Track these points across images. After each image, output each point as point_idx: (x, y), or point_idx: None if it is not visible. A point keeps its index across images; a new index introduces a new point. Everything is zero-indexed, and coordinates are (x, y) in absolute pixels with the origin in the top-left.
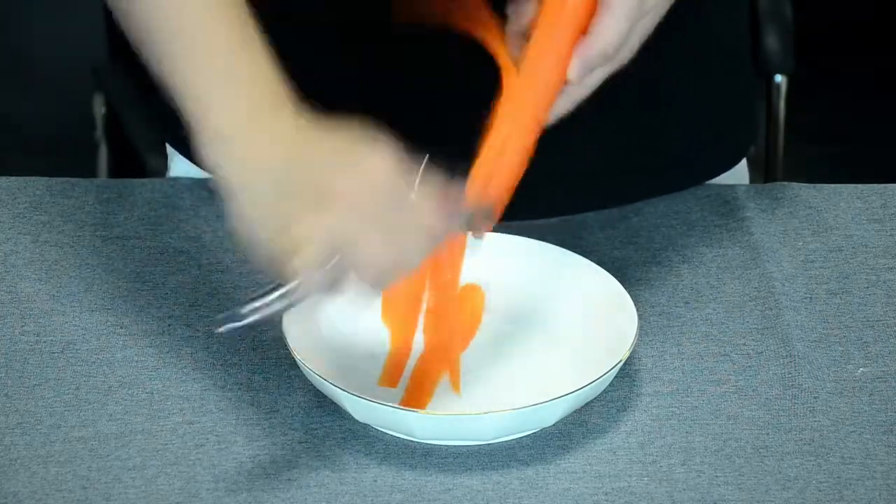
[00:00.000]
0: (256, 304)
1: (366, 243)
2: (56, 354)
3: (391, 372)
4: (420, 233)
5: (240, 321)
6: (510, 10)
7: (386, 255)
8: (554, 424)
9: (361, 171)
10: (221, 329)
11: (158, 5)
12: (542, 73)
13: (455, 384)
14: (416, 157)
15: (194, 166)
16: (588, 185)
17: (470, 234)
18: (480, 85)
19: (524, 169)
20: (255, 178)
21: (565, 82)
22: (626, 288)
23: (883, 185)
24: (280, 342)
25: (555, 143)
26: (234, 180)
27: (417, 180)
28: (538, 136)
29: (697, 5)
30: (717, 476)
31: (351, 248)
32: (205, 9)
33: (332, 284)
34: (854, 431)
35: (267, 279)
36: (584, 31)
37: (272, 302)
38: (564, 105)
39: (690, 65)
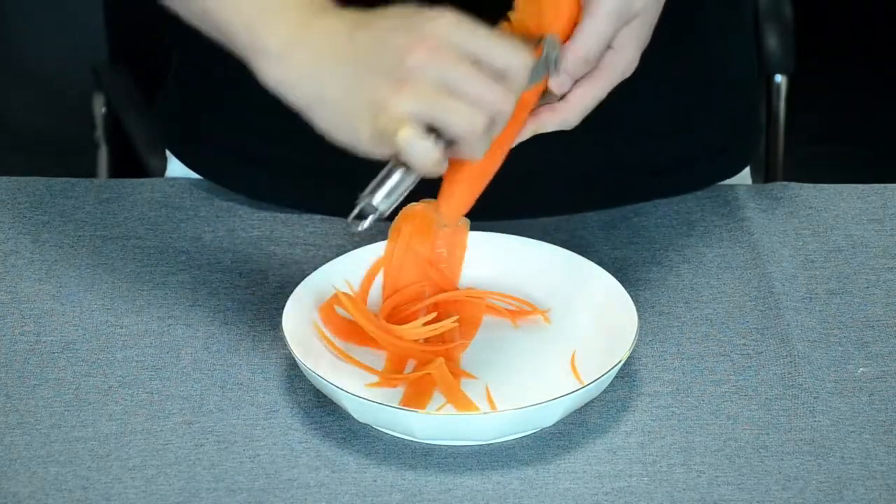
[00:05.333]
0: (382, 190)
1: (456, 113)
2: (56, 354)
3: (391, 372)
4: (505, 82)
5: (374, 212)
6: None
7: (477, 117)
8: (554, 424)
9: (429, 33)
10: (361, 226)
11: None
12: None
13: (455, 384)
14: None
15: (190, 171)
16: (590, 186)
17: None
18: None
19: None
20: (326, 76)
21: (546, 94)
22: (626, 288)
23: (883, 185)
24: (280, 342)
25: (557, 142)
26: (306, 90)
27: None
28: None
29: (701, 8)
30: (717, 476)
31: (443, 120)
32: None
33: (439, 157)
34: (854, 431)
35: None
36: (566, 38)
37: (396, 184)
38: (555, 121)
39: (695, 69)
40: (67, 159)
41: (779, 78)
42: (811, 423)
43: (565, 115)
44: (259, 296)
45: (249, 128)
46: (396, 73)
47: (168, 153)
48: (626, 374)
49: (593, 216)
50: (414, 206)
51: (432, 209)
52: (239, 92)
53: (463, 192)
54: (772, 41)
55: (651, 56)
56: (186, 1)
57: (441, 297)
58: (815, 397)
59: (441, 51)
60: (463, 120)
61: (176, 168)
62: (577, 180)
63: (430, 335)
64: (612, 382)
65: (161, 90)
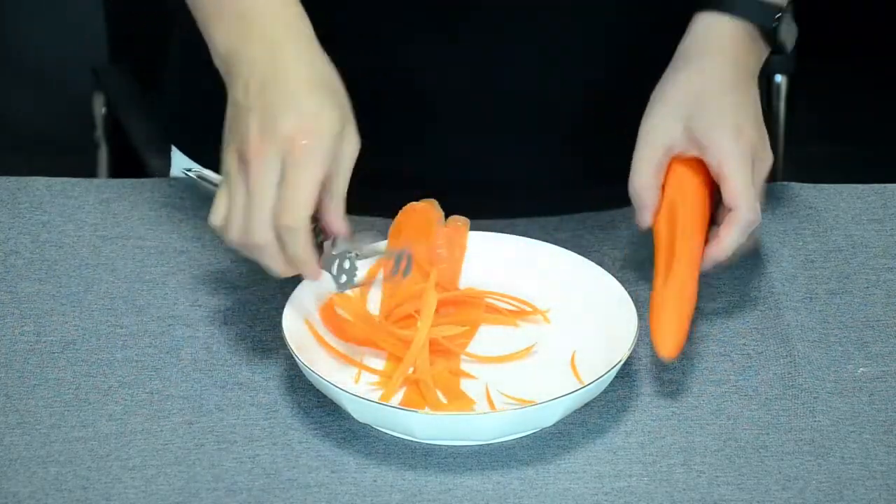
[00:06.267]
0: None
1: (226, 200)
2: (56, 354)
3: (391, 372)
4: (286, 246)
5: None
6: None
7: (233, 222)
8: (554, 424)
9: (328, 144)
10: None
11: None
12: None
13: (455, 384)
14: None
15: (195, 164)
16: (590, 186)
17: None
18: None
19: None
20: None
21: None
22: (626, 288)
23: (883, 185)
24: (280, 342)
25: (560, 143)
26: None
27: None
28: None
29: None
30: (717, 476)
31: (227, 192)
32: None
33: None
34: (854, 431)
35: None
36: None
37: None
38: (719, 254)
39: None
40: (67, 159)
41: (779, 78)
42: (811, 423)
43: (719, 253)
44: (259, 296)
45: None
46: (281, 141)
47: (174, 149)
48: (626, 374)
49: (593, 216)
50: (414, 206)
51: (432, 209)
52: None
53: (675, 325)
54: None
55: (652, 56)
56: None
57: (441, 296)
58: (815, 397)
59: (304, 164)
60: (219, 206)
61: (181, 163)
62: (577, 180)
63: (432, 336)
64: (612, 382)
65: (164, 86)
